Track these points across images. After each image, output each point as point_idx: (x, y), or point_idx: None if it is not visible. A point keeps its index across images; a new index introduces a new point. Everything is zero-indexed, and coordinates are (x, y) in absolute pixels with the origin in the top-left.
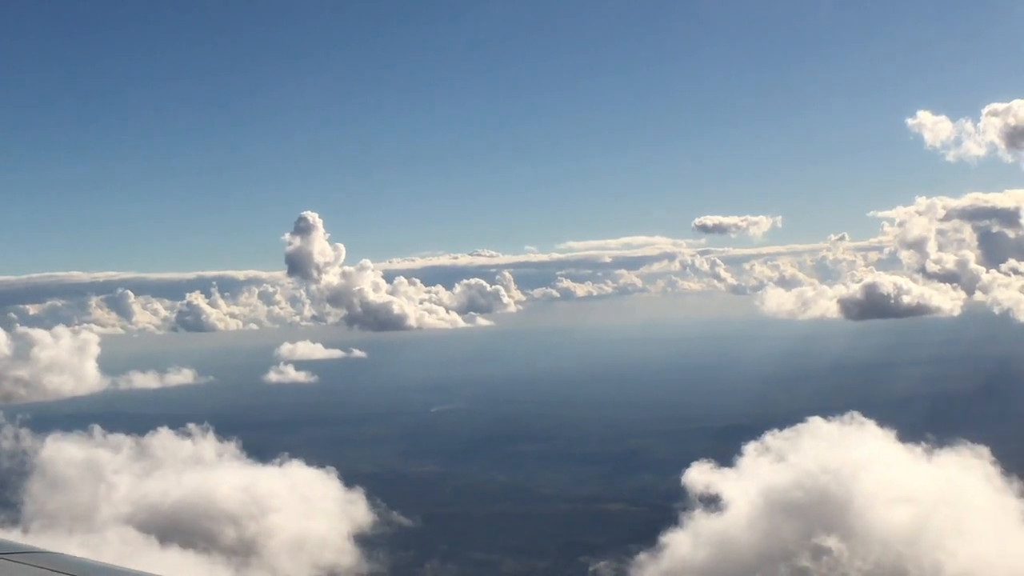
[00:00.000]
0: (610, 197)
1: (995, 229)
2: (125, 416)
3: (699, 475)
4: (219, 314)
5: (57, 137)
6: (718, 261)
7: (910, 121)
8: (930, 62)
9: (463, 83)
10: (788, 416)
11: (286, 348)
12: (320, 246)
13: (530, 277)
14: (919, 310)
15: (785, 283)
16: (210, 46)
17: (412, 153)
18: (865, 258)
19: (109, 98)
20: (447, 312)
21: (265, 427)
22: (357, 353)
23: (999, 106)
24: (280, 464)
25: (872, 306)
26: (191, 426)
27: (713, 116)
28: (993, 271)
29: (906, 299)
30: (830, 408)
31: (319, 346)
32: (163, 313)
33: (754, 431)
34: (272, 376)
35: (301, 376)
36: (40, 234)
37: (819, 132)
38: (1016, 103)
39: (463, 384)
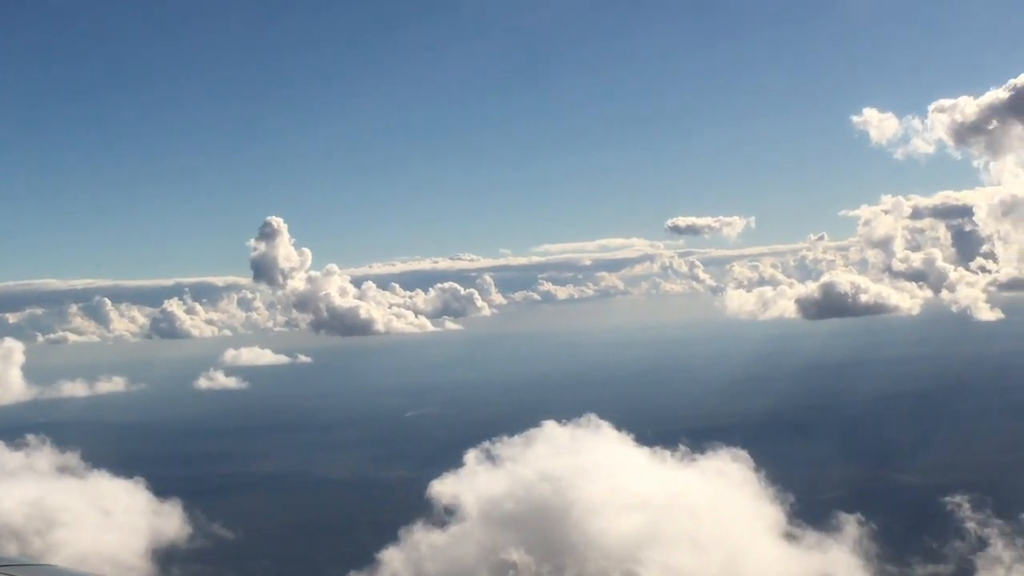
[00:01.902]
0: (582, 199)
1: (968, 227)
2: (35, 426)
3: (443, 486)
4: (194, 321)
5: (28, 143)
6: (697, 263)
7: (855, 118)
8: (878, 60)
9: (435, 89)
10: (743, 417)
11: (230, 354)
12: (285, 251)
13: (511, 280)
14: (877, 309)
15: (764, 284)
16: (190, 48)
17: (388, 157)
18: (846, 257)
19: (82, 104)
20: (416, 316)
21: (170, 435)
22: (303, 359)
23: (946, 102)
24: (130, 477)
25: (830, 305)
26: (29, 437)
27: (678, 118)
28: (961, 269)
29: (864, 298)
30: (777, 409)
31: (267, 351)
32: (140, 320)
33: (716, 433)
34: (202, 383)
35: (232, 382)
36: (13, 241)
37: (784, 132)
38: (963, 100)
39: (431, 389)
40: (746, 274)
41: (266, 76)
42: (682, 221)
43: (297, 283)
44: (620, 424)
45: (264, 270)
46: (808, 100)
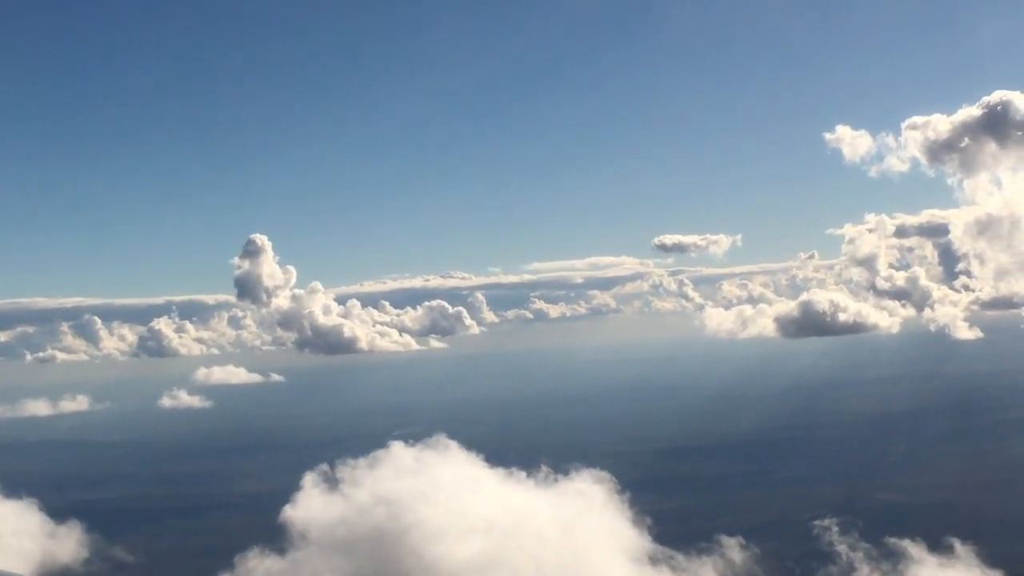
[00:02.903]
0: (570, 217)
1: (953, 246)
2: None
3: (295, 510)
4: (182, 340)
5: (15, 159)
6: (686, 281)
7: (828, 136)
8: (853, 78)
9: (427, 111)
10: (731, 435)
11: (202, 372)
12: (269, 269)
13: (503, 298)
14: (856, 328)
15: (754, 302)
16: (179, 67)
17: (379, 176)
18: (838, 275)
19: (72, 122)
20: (400, 335)
21: (107, 456)
22: (275, 378)
23: (919, 119)
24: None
25: (808, 324)
26: None
27: (661, 137)
28: (945, 288)
29: (842, 316)
30: (762, 427)
31: (241, 370)
32: (130, 339)
33: (698, 452)
34: (166, 402)
35: (196, 401)
36: (2, 260)
37: (766, 150)
38: (936, 117)
39: (403, 409)
40: (735, 292)
41: (260, 96)
42: (669, 239)
43: (281, 301)
44: (590, 442)
45: (248, 288)
46: (790, 118)
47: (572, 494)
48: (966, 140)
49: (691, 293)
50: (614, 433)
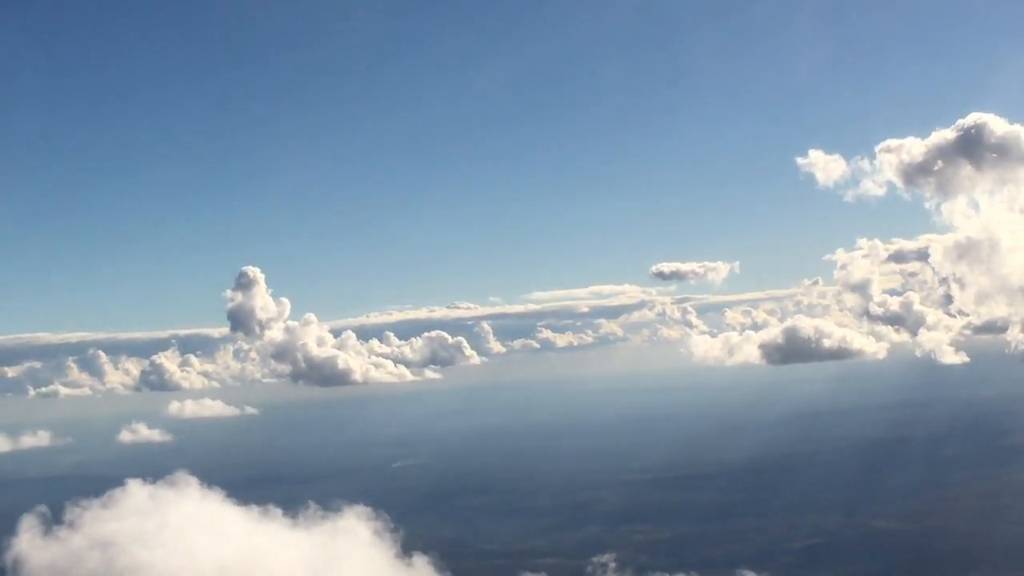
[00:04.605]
0: (567, 246)
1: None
2: None
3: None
4: (185, 373)
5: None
6: (690, 309)
7: (800, 160)
8: (825, 102)
9: (422, 144)
10: (725, 464)
11: (175, 407)
12: (262, 301)
13: (509, 328)
14: (841, 353)
15: (758, 330)
16: (180, 85)
17: (378, 207)
18: (841, 301)
19: (72, 150)
20: (396, 366)
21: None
22: (250, 411)
23: (893, 143)
24: None
25: (793, 350)
26: None
27: (654, 164)
28: (940, 312)
29: (827, 343)
30: (757, 454)
31: (218, 403)
32: (134, 373)
33: (691, 481)
34: (125, 436)
35: (155, 435)
36: (8, 295)
37: (757, 177)
38: (910, 140)
39: (375, 444)
40: (739, 320)
41: (264, 126)
42: (666, 267)
43: (275, 334)
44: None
45: (241, 321)
46: (783, 143)
47: (333, 533)
48: (939, 163)
49: (695, 321)
50: (605, 462)
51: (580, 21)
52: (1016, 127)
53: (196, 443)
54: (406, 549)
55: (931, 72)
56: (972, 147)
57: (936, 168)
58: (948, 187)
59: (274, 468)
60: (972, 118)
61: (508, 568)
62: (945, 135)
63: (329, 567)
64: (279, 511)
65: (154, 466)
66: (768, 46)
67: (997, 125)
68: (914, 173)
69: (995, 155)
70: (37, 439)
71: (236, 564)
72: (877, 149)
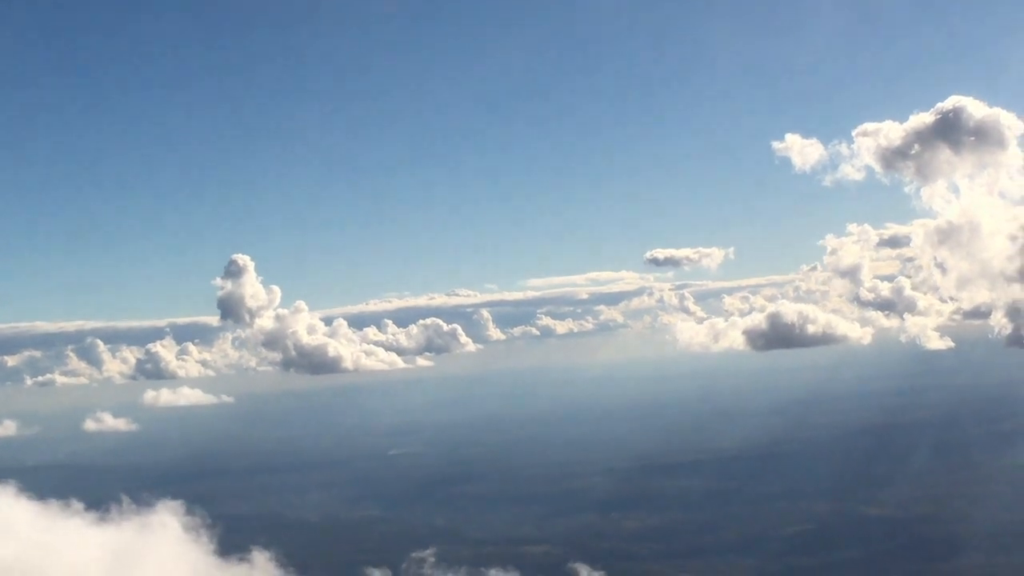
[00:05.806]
0: (563, 232)
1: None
2: None
3: None
4: (182, 362)
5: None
6: (688, 295)
7: (776, 144)
8: (806, 86)
9: (410, 129)
10: (715, 451)
11: (149, 395)
12: (252, 289)
13: (508, 315)
14: (825, 339)
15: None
16: (174, 81)
17: (376, 195)
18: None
19: (70, 143)
20: (387, 353)
21: None
22: (225, 400)
23: (870, 126)
24: None
25: (777, 336)
26: None
27: (645, 151)
28: (932, 297)
29: (811, 328)
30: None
31: (197, 391)
32: (132, 362)
33: (679, 469)
34: (90, 425)
35: (120, 424)
36: (7, 284)
37: (746, 164)
38: (888, 124)
39: (346, 437)
40: (738, 306)
41: (263, 117)
42: (660, 253)
43: (265, 322)
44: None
45: (231, 309)
46: (763, 131)
47: (141, 530)
48: (917, 147)
49: (692, 307)
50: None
51: (573, 14)
52: (995, 111)
53: (158, 433)
54: (226, 546)
55: (909, 56)
56: (951, 131)
57: (914, 152)
58: (927, 171)
59: (224, 460)
60: (951, 101)
61: (497, 556)
62: (923, 119)
63: (130, 564)
64: (82, 506)
65: (103, 455)
66: (753, 32)
67: (976, 108)
68: (892, 157)
69: (974, 139)
70: (3, 428)
71: (18, 562)
72: (854, 133)
